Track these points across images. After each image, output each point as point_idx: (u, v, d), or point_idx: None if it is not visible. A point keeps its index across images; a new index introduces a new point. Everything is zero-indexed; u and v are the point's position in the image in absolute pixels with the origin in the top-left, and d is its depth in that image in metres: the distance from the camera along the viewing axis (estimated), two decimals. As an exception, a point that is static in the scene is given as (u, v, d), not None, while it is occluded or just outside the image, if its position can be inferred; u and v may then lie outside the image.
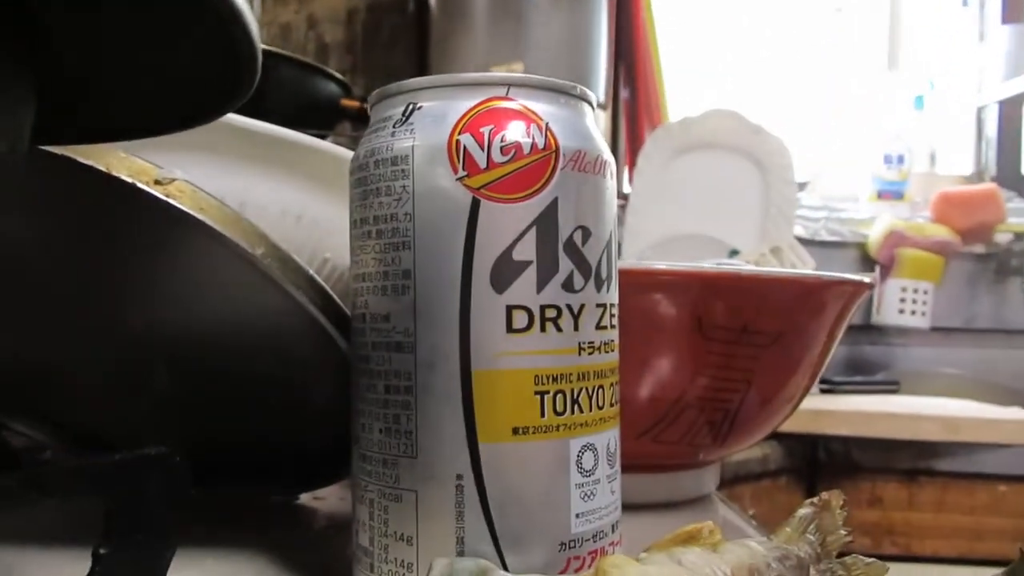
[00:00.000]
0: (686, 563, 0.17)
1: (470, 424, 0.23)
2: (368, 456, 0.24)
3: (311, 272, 0.26)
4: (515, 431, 0.23)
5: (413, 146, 0.23)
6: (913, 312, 1.60)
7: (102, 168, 0.23)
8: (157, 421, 0.33)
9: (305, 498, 0.37)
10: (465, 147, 0.23)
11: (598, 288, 0.24)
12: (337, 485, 0.36)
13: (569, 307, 0.24)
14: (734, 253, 1.41)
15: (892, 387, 1.46)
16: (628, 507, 0.26)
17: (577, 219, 0.24)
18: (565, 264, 0.24)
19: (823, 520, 0.21)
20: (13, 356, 0.32)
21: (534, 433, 0.23)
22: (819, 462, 1.12)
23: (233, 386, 0.30)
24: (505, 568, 0.22)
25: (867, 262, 1.72)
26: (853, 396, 1.32)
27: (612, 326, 0.25)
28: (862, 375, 1.52)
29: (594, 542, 0.24)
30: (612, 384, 0.25)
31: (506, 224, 0.23)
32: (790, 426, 1.08)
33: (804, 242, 1.58)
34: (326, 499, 0.38)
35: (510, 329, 0.23)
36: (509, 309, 0.23)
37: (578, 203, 0.24)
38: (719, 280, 0.36)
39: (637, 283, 0.35)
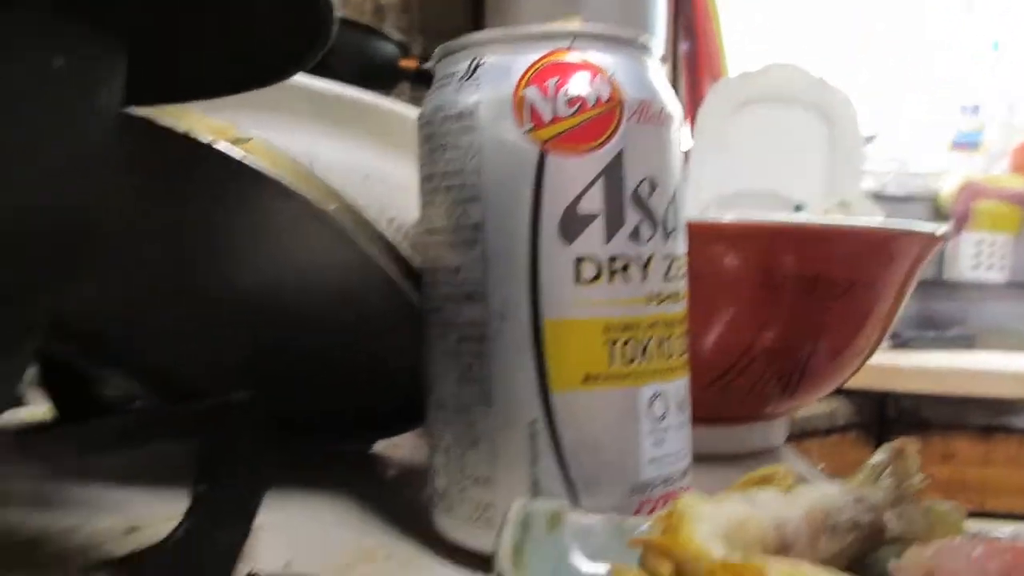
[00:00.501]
0: (759, 503, 0.17)
1: (542, 373, 0.23)
2: (443, 404, 0.25)
3: (380, 228, 0.27)
4: (586, 379, 0.23)
5: (479, 101, 0.24)
6: (989, 266, 1.55)
7: (183, 128, 0.24)
8: (241, 374, 0.34)
9: (381, 447, 0.39)
10: (530, 100, 0.23)
11: (665, 239, 0.25)
12: (411, 434, 0.37)
13: (637, 258, 0.24)
14: (799, 208, 1.38)
15: (966, 342, 1.42)
16: (697, 459, 0.26)
17: (643, 171, 0.24)
18: (632, 216, 0.24)
19: (897, 467, 0.21)
20: (107, 312, 0.34)
21: (604, 381, 0.23)
22: (888, 418, 1.10)
23: (309, 339, 0.31)
24: (578, 505, 0.23)
25: (939, 216, 1.66)
26: (925, 352, 1.29)
27: (680, 277, 0.25)
28: (935, 331, 1.48)
29: (664, 487, 0.24)
30: (681, 334, 0.25)
31: (573, 176, 0.23)
32: (859, 382, 1.06)
33: (873, 197, 1.53)
34: (401, 447, 0.39)
35: (579, 280, 0.23)
36: (578, 260, 0.23)
37: (643, 155, 0.24)
38: (788, 231, 0.35)
39: (705, 235, 0.35)
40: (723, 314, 0.36)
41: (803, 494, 0.18)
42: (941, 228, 0.39)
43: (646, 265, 0.24)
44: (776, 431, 0.42)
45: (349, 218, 0.26)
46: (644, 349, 0.24)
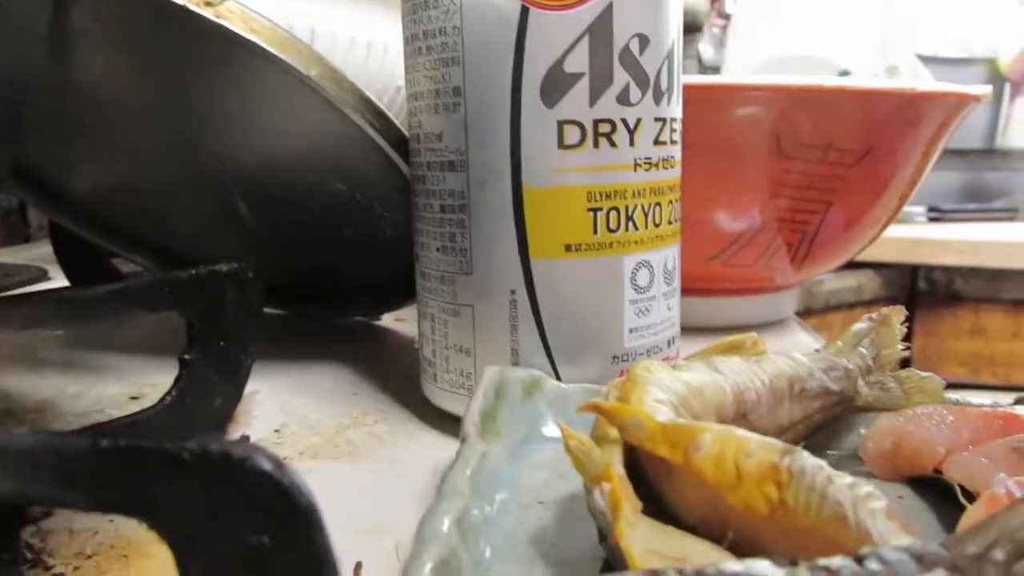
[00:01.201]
0: (723, 370, 0.17)
1: (522, 240, 0.23)
2: (427, 273, 0.25)
3: (367, 94, 0.26)
4: (567, 248, 0.23)
5: (458, -48, 0.22)
6: (1044, 135, 1.47)
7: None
8: (245, 249, 0.35)
9: (387, 319, 0.39)
10: (513, -50, 0.22)
11: (657, 101, 0.23)
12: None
13: (624, 121, 0.23)
14: (844, 74, 1.31)
15: (1009, 214, 1.37)
16: (701, 329, 0.26)
17: (635, 26, 0.22)
18: (620, 75, 0.23)
19: (880, 335, 0.21)
20: (107, 191, 0.34)
21: (587, 250, 0.23)
22: (918, 292, 1.08)
23: (305, 211, 0.31)
24: (558, 379, 0.23)
25: (996, 80, 1.57)
26: (963, 224, 1.25)
27: (673, 141, 0.24)
28: (979, 203, 1.43)
29: (648, 356, 0.24)
30: (671, 201, 0.25)
31: (556, 33, 0.22)
32: (889, 255, 1.04)
33: (926, 60, 1.45)
34: (407, 320, 0.39)
35: (562, 145, 0.22)
36: (560, 124, 0.22)
37: (636, 8, 0.22)
38: (800, 93, 0.33)
39: (711, 98, 0.33)
40: (729, 182, 0.35)
41: (771, 361, 0.18)
42: (980, 89, 0.37)
43: (634, 129, 0.23)
44: (785, 302, 0.41)
45: (332, 84, 0.25)
46: (630, 218, 0.23)
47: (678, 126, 0.25)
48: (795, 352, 0.19)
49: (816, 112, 0.33)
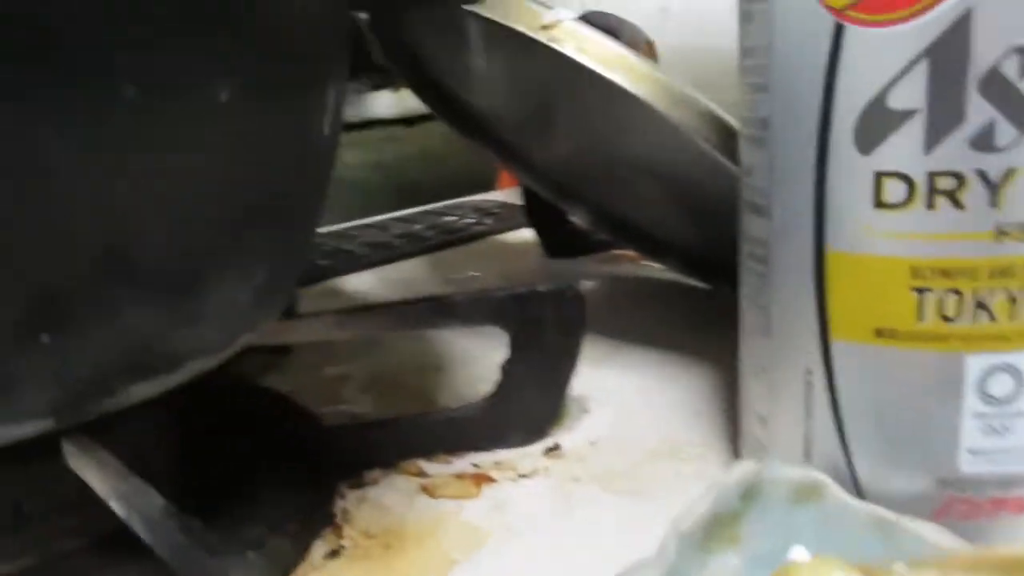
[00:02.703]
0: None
1: (821, 314, 0.19)
2: (742, 313, 0.22)
3: (705, 102, 0.23)
4: (879, 333, 0.18)
5: (772, -46, 0.18)
6: None
7: (503, 21, 0.24)
8: (671, 220, 0.35)
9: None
10: (827, -50, 0.17)
11: (1053, 140, 0.16)
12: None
13: (982, 174, 0.16)
14: None
15: None
16: None
17: (1011, 38, 0.15)
18: (979, 110, 0.16)
19: None
20: (561, 168, 0.37)
21: (907, 340, 0.17)
22: None
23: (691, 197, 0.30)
24: (856, 487, 0.19)
25: None
26: None
27: (1093, 194, 0.16)
28: None
29: (1000, 489, 0.18)
30: (1077, 281, 0.17)
31: (879, 57, 0.16)
32: None
33: None
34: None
35: (879, 203, 0.17)
36: (878, 176, 0.17)
37: (1012, 12, 0.15)
38: None
39: None
40: None
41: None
42: None
43: (999, 184, 0.16)
44: None
45: (663, 95, 0.23)
46: (981, 305, 0.17)
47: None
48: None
49: None
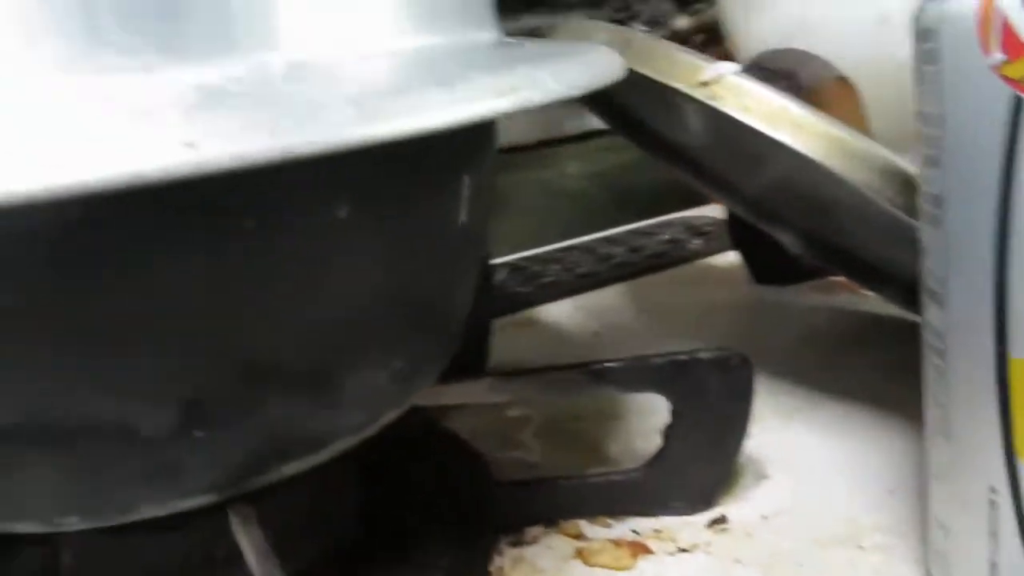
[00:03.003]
0: None
1: (1006, 428, 0.16)
2: (926, 407, 0.19)
3: (885, 154, 0.20)
4: (1077, 458, 0.15)
5: (942, 13, 0.15)
6: None
7: (661, 79, 0.23)
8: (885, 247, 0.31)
9: None
10: (1002, 14, 0.14)
11: None
12: None
13: None
14: None
15: None
16: None
17: None
18: None
19: None
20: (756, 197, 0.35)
21: (1113, 470, 0.14)
22: None
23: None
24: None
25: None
26: None
27: None
28: None
29: None
30: None
31: (1070, 138, 0.14)
32: None
33: None
34: None
35: (1074, 308, 0.14)
36: (1071, 276, 0.14)
37: None
38: None
39: None
40: None
41: None
42: None
43: None
44: None
45: (836, 154, 0.21)
46: None
47: None
48: None
49: None
